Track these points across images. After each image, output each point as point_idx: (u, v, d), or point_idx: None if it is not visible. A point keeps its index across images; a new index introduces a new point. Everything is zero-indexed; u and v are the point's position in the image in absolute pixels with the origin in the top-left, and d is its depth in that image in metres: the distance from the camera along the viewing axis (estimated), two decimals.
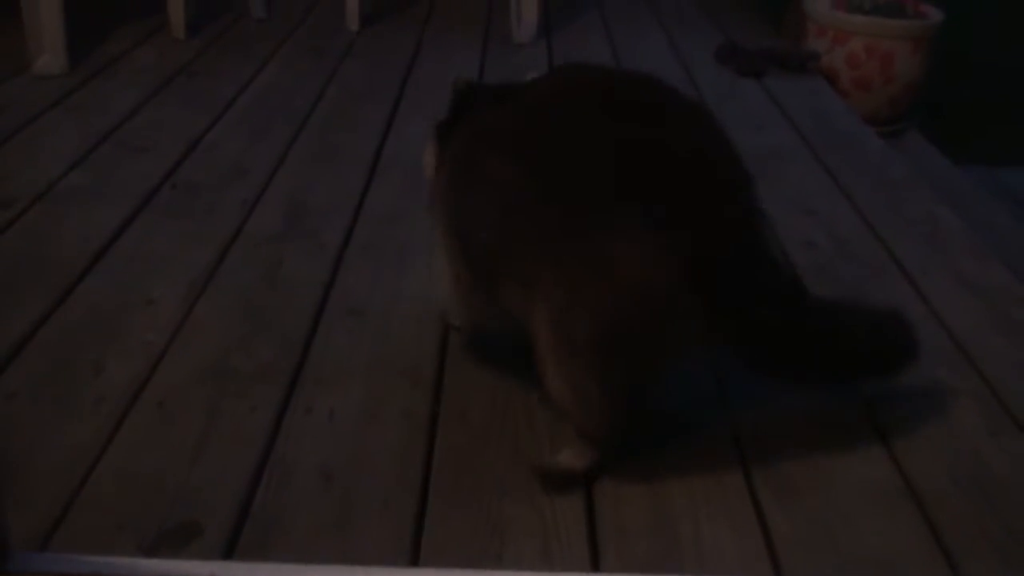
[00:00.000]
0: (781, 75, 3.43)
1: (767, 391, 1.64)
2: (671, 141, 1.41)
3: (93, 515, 1.34)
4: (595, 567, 1.31)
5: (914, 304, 1.99)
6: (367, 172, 2.47)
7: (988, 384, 1.73)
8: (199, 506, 1.37)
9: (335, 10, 3.75)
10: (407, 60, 3.36)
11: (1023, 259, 2.56)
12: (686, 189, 1.38)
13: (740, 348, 1.45)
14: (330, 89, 3.04)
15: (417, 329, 1.82)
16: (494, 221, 1.45)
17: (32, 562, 1.25)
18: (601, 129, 1.40)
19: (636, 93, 1.49)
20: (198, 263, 1.99)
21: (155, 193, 2.30)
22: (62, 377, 1.63)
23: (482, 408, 1.61)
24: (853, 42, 3.47)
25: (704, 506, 1.43)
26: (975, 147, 4.14)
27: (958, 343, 1.85)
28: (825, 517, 1.41)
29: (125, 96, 2.87)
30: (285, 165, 2.49)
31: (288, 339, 1.77)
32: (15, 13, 2.96)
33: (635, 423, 1.46)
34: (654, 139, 1.39)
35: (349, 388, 1.65)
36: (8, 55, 3.04)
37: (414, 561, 1.30)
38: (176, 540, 1.31)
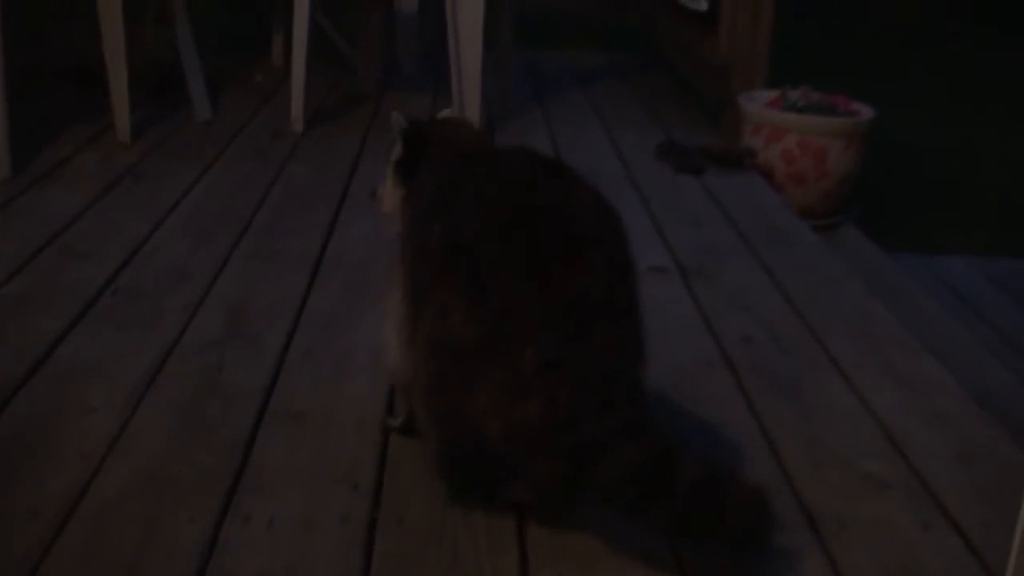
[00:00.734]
0: (719, 171, 3.50)
1: None
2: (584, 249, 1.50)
3: None
4: None
5: (847, 398, 2.03)
6: (309, 275, 2.49)
7: (919, 477, 1.76)
8: None
9: (280, 112, 3.80)
10: (351, 161, 3.40)
11: (954, 349, 2.62)
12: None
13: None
14: (274, 191, 3.07)
15: (357, 433, 1.83)
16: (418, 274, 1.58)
17: None
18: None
19: (544, 193, 1.58)
20: (138, 370, 1.99)
21: (96, 299, 2.30)
22: None
23: (421, 512, 1.62)
24: (787, 139, 3.56)
25: None
26: (909, 236, 4.23)
27: (890, 437, 1.89)
28: None
29: (68, 201, 2.88)
30: (227, 269, 2.50)
31: (228, 445, 1.77)
32: None
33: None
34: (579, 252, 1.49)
35: (288, 495, 1.65)
36: None
37: None
38: None
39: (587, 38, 5.68)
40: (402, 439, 1.79)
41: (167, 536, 1.53)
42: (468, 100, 3.58)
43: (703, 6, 4.15)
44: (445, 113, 1.89)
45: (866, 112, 3.65)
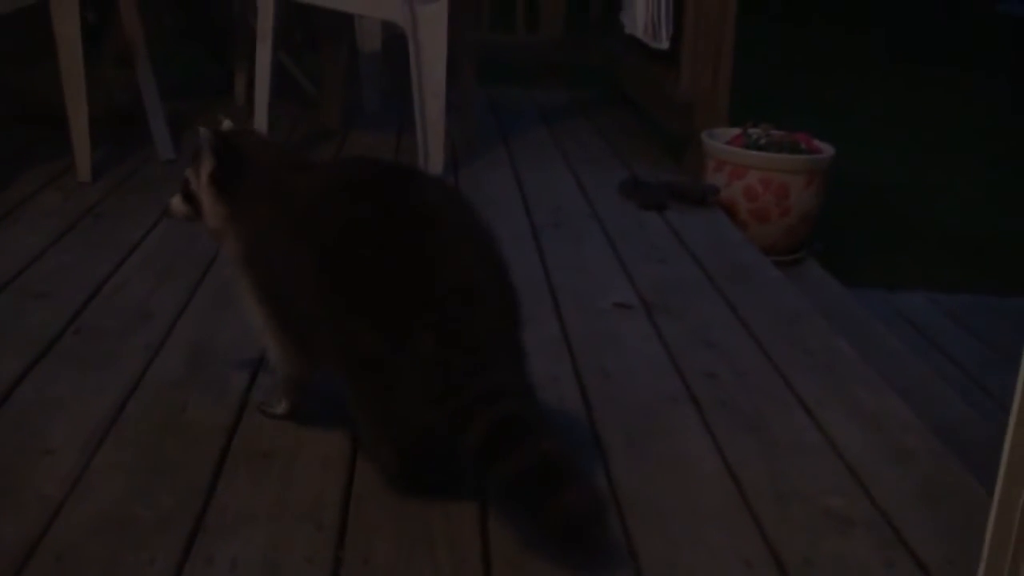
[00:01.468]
0: (682, 208, 3.52)
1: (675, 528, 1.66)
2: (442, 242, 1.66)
3: None
4: None
5: (811, 434, 2.04)
6: None
7: (883, 514, 1.77)
8: None
9: None
10: None
11: (915, 384, 2.64)
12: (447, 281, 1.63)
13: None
14: None
15: (321, 472, 1.82)
16: (306, 296, 1.71)
17: None
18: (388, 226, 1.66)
19: (406, 195, 1.74)
20: (100, 411, 1.97)
21: (57, 339, 2.28)
22: None
23: (386, 551, 1.61)
24: (750, 176, 3.59)
25: None
26: (870, 272, 4.27)
27: (853, 473, 1.89)
28: None
29: (29, 241, 2.86)
30: (190, 308, 2.49)
31: (190, 486, 1.75)
32: None
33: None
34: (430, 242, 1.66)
35: (252, 535, 1.63)
36: None
37: None
38: None
39: (550, 76, 5.72)
40: (367, 478, 1.79)
41: None
42: (432, 138, 3.60)
43: (665, 45, 4.18)
44: (227, 124, 1.93)
45: (827, 150, 3.69)
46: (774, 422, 2.08)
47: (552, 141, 4.45)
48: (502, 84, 5.36)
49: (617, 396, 2.16)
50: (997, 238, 4.99)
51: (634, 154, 4.25)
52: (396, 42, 4.60)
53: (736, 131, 3.80)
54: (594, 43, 5.59)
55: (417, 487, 1.74)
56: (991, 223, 5.20)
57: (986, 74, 8.62)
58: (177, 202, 1.92)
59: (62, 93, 3.31)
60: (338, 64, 4.37)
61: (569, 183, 3.79)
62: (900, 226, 5.08)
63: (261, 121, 3.62)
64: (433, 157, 3.63)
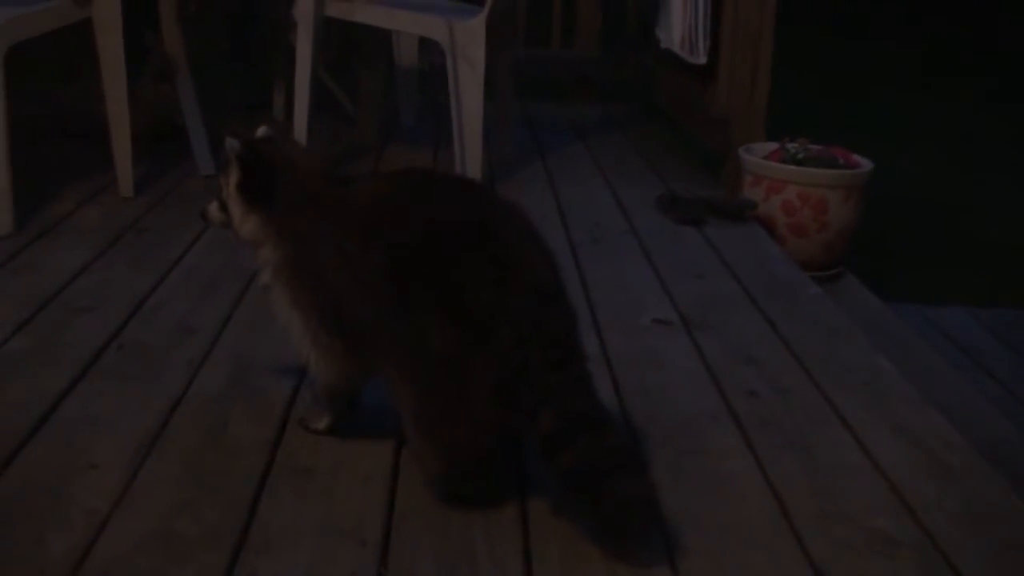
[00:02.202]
0: (720, 223, 3.52)
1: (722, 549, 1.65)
2: (500, 249, 1.71)
3: None
4: None
5: (853, 452, 2.03)
6: None
7: (928, 534, 1.75)
8: None
9: None
10: None
11: (956, 401, 2.62)
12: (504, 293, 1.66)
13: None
14: None
15: (363, 487, 1.82)
16: (360, 302, 1.76)
17: None
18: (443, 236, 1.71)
19: (471, 202, 1.82)
20: (143, 426, 1.99)
21: (101, 355, 2.30)
22: (1, 551, 1.61)
23: (429, 567, 1.61)
24: (788, 191, 3.58)
25: None
26: (908, 287, 4.25)
27: (897, 492, 1.88)
28: None
29: (71, 256, 2.88)
30: (232, 322, 2.50)
31: (234, 501, 1.76)
32: None
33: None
34: (490, 251, 1.70)
35: (295, 551, 1.64)
36: None
37: None
38: None
39: (586, 91, 5.72)
40: (409, 493, 1.79)
41: None
42: (469, 153, 3.60)
43: (702, 60, 4.18)
44: (263, 131, 1.95)
45: (865, 164, 3.67)
46: (816, 440, 2.07)
47: (589, 156, 4.45)
48: (538, 99, 5.37)
49: (657, 413, 2.15)
50: None
51: (671, 169, 4.24)
52: (434, 57, 4.64)
53: (773, 146, 3.79)
54: (630, 58, 5.58)
55: (460, 492, 1.75)
56: None
57: None
58: (214, 209, 1.94)
59: (104, 109, 3.34)
60: (376, 80, 4.39)
61: (606, 198, 3.79)
62: (939, 240, 5.05)
63: (300, 136, 3.64)
64: (471, 172, 3.63)
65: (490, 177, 3.85)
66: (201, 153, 3.69)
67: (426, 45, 4.43)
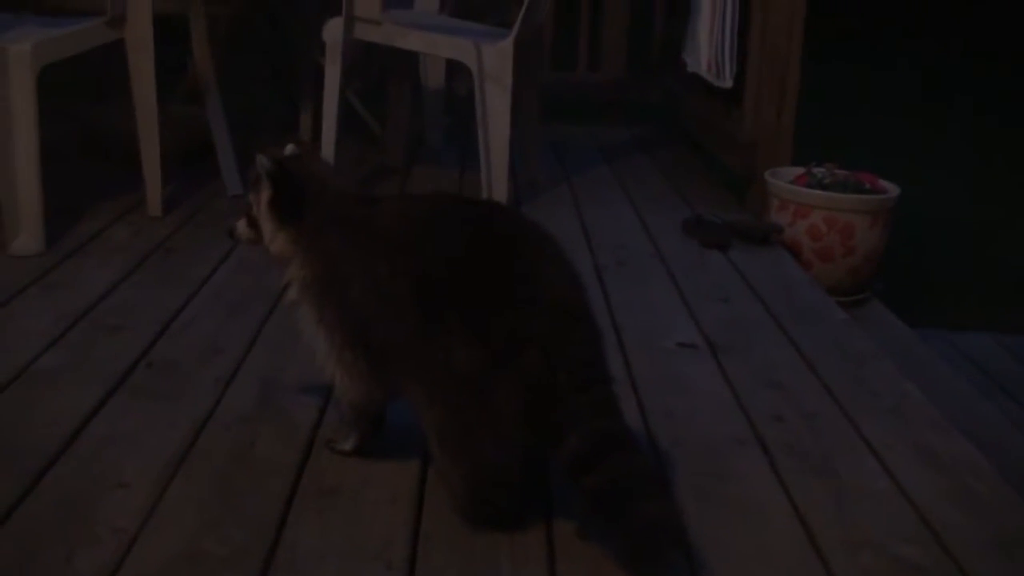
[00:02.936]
0: (745, 247, 3.51)
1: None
2: (524, 266, 1.73)
3: None
4: None
5: (880, 479, 2.02)
6: None
7: (955, 561, 1.74)
8: None
9: None
10: None
11: (983, 428, 2.61)
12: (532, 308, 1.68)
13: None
14: None
15: (389, 509, 1.83)
16: (386, 321, 1.77)
17: None
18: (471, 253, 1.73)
19: (498, 223, 1.83)
20: (171, 444, 2.00)
21: (130, 373, 2.32)
22: (30, 568, 1.62)
23: None
24: (814, 215, 3.58)
25: None
26: (934, 312, 4.23)
27: (924, 519, 1.87)
28: None
29: (101, 275, 2.91)
30: (259, 342, 2.52)
31: (260, 522, 1.77)
32: None
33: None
34: (516, 270, 1.72)
35: (321, 572, 1.65)
36: None
37: None
38: None
39: (611, 114, 5.74)
40: (435, 515, 1.80)
41: None
42: (496, 175, 3.62)
43: (728, 84, 4.18)
44: (290, 149, 1.96)
45: (892, 189, 3.67)
46: (843, 466, 2.06)
47: (614, 179, 4.46)
48: (564, 122, 5.38)
49: (682, 437, 2.15)
50: None
51: (696, 192, 4.24)
52: (460, 79, 4.66)
53: (800, 170, 3.79)
54: (655, 81, 5.60)
55: (486, 513, 1.75)
56: None
57: None
58: (242, 226, 1.96)
59: (135, 129, 3.37)
60: (403, 101, 4.41)
61: (632, 221, 3.79)
62: (965, 266, 5.02)
63: (327, 157, 3.66)
64: (497, 194, 3.65)
65: (516, 200, 3.86)
66: (229, 173, 3.72)
67: (455, 69, 4.45)
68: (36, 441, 1.99)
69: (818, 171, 3.70)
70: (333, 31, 3.52)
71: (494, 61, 3.50)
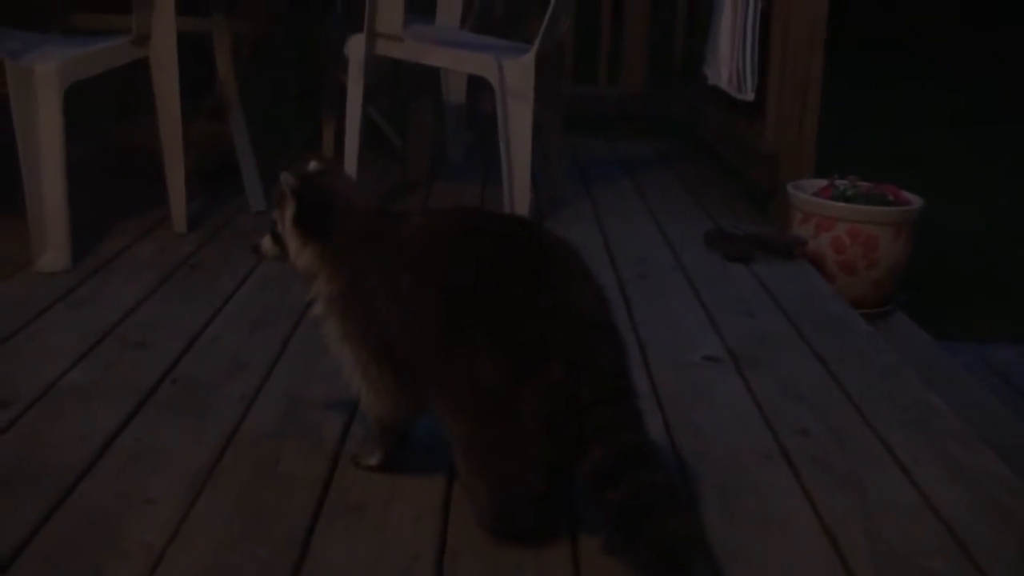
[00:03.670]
0: (769, 260, 3.51)
1: None
2: (551, 288, 1.72)
3: None
4: None
5: (907, 492, 2.01)
6: None
7: (982, 574, 1.73)
8: None
9: None
10: None
11: (1009, 440, 2.59)
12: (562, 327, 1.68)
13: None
14: None
15: (415, 524, 1.83)
16: (411, 335, 1.77)
17: None
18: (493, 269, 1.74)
19: (521, 237, 1.83)
20: (197, 460, 2.01)
21: (155, 389, 2.33)
22: None
23: None
24: (837, 228, 3.57)
25: None
26: (958, 324, 4.21)
27: (952, 533, 1.86)
28: None
29: (126, 291, 2.92)
30: (284, 358, 2.53)
31: (286, 538, 1.77)
32: (18, 211, 3.02)
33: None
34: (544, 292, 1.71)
35: None
36: (11, 252, 3.09)
37: None
38: None
39: (632, 127, 5.74)
40: (461, 531, 1.80)
41: None
42: (518, 188, 3.62)
43: (750, 96, 4.18)
44: (313, 165, 1.98)
45: (915, 201, 3.66)
46: (869, 480, 2.05)
47: (636, 192, 4.46)
48: (586, 136, 5.39)
49: (708, 451, 2.15)
50: None
51: (718, 205, 4.24)
52: (482, 94, 4.67)
53: (823, 183, 3.78)
54: (676, 94, 5.60)
55: (511, 527, 1.76)
56: None
57: None
58: (267, 242, 1.97)
59: (159, 146, 3.39)
60: (424, 117, 4.43)
61: (654, 235, 3.79)
62: (989, 277, 5.00)
63: (351, 173, 3.67)
64: (519, 208, 3.65)
65: (538, 213, 3.86)
66: (253, 190, 3.74)
67: (477, 85, 4.46)
68: (62, 457, 2.00)
69: (841, 183, 3.70)
70: (355, 47, 3.54)
71: (516, 76, 3.51)
